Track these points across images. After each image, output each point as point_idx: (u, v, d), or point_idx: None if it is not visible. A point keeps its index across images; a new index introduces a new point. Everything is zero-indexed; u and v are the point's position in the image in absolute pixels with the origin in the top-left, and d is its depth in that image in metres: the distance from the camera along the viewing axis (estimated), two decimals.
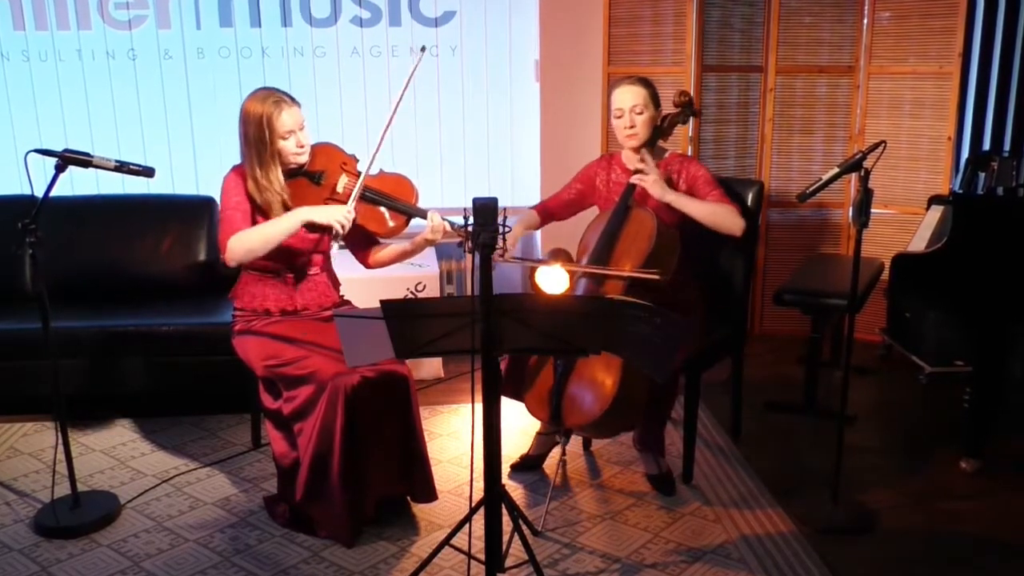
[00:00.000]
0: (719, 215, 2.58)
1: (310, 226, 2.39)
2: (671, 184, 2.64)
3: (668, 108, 2.73)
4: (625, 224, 2.58)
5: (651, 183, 2.56)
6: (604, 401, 2.37)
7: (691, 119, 2.79)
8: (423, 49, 2.43)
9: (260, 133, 2.35)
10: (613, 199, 2.70)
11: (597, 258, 2.55)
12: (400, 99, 2.36)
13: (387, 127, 2.38)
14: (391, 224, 2.47)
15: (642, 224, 2.55)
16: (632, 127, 2.64)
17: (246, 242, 2.35)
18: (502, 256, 2.54)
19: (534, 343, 1.92)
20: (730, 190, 2.72)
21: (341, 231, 2.36)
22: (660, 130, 2.70)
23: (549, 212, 2.85)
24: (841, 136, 3.92)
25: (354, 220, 2.45)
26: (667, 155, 2.73)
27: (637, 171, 2.59)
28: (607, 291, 2.49)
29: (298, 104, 2.41)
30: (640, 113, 2.63)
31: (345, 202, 2.40)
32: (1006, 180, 3.23)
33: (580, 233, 2.71)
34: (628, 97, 2.63)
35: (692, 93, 2.81)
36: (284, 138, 2.37)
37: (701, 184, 2.65)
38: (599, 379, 2.40)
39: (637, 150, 2.68)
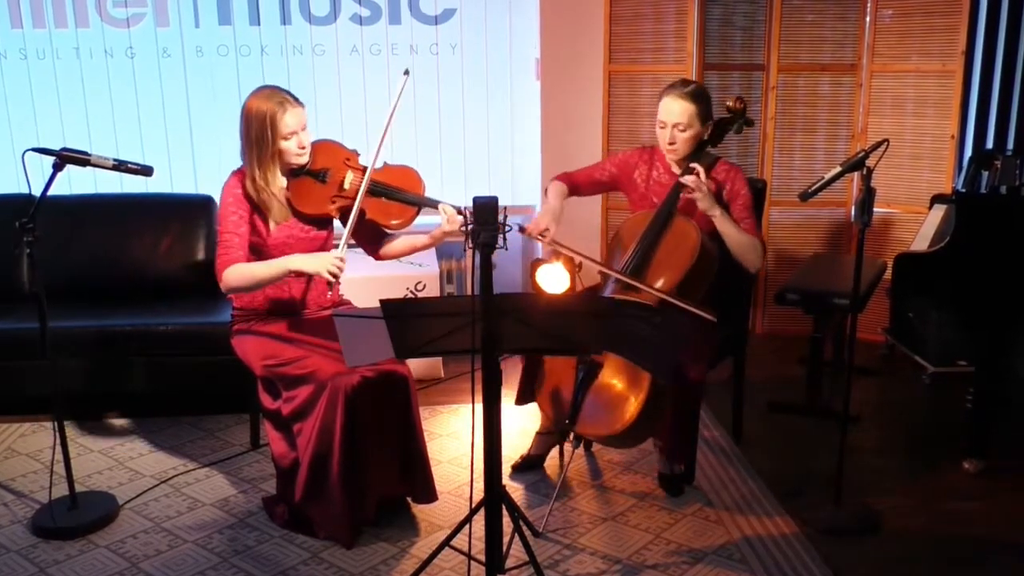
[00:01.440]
0: (746, 248, 2.54)
1: (299, 274, 2.37)
2: (718, 196, 2.56)
3: (721, 112, 2.63)
4: (666, 232, 2.51)
5: (701, 196, 2.48)
6: (625, 421, 2.34)
7: (744, 128, 2.68)
8: (406, 72, 2.38)
9: (262, 133, 2.33)
10: (651, 199, 2.65)
11: (635, 265, 2.50)
12: (390, 120, 2.34)
13: (385, 132, 2.35)
14: (399, 217, 2.45)
15: (685, 237, 2.48)
16: (672, 143, 2.56)
17: (240, 279, 2.35)
18: (543, 237, 2.51)
19: (535, 343, 1.92)
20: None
21: (332, 280, 2.32)
22: (707, 142, 2.61)
23: (575, 186, 2.74)
24: (843, 135, 3.90)
25: (363, 215, 2.43)
26: (717, 164, 2.63)
27: (685, 184, 2.49)
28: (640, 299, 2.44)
29: (302, 105, 2.39)
30: (683, 131, 2.53)
31: (353, 199, 2.38)
32: (1009, 179, 3.21)
33: (588, 231, 2.67)
34: (674, 111, 2.53)
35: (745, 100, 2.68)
36: (286, 139, 2.35)
37: (739, 207, 2.59)
38: (623, 396, 2.37)
39: (679, 163, 2.62)
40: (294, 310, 2.50)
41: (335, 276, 2.31)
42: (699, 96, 2.55)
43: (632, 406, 2.34)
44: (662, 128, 2.58)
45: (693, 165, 2.52)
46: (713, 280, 2.54)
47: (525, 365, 2.62)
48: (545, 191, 2.76)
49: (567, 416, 2.42)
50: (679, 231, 2.50)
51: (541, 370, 2.54)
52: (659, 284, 2.47)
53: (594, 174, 2.77)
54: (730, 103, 2.65)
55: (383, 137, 2.37)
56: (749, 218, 2.60)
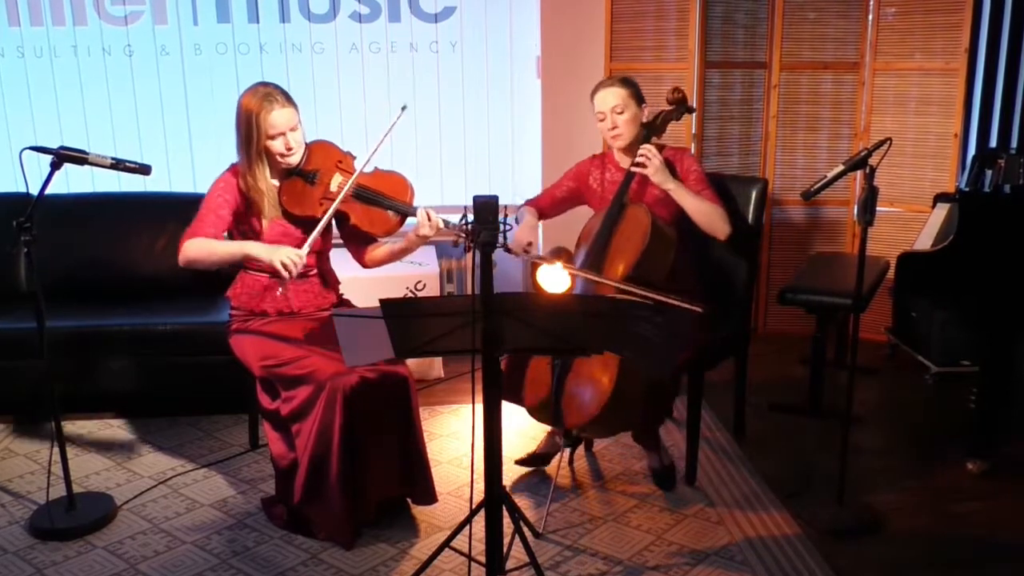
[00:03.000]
0: (709, 215, 2.59)
1: (254, 260, 2.33)
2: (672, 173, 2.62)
3: (662, 105, 2.71)
4: (620, 222, 2.56)
5: (653, 171, 2.55)
6: (602, 398, 2.35)
7: (685, 115, 2.77)
8: (403, 108, 2.31)
9: (248, 130, 2.32)
10: (608, 198, 2.68)
11: (593, 257, 2.53)
12: (379, 145, 2.31)
13: (379, 145, 2.32)
14: (382, 224, 2.43)
15: (637, 222, 2.53)
16: (615, 128, 2.64)
17: (197, 250, 2.35)
18: (527, 252, 2.58)
19: (535, 342, 1.90)
20: (728, 189, 2.69)
21: (285, 275, 2.26)
22: (653, 127, 2.68)
23: (541, 210, 2.82)
24: (846, 133, 3.88)
25: (348, 220, 2.41)
26: (664, 149, 2.70)
27: (638, 163, 2.57)
28: (602, 292, 2.46)
29: (293, 105, 2.35)
30: (620, 113, 2.62)
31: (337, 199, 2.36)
32: (1013, 178, 3.19)
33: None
34: (608, 98, 2.63)
35: (686, 89, 2.81)
36: (272, 138, 2.32)
37: (693, 180, 2.64)
38: (596, 376, 2.38)
39: (626, 150, 2.67)
40: (292, 310, 2.48)
41: (288, 271, 2.25)
42: (626, 81, 2.67)
43: (604, 386, 2.35)
44: (602, 120, 2.66)
45: (643, 146, 2.58)
46: (672, 263, 2.55)
47: (508, 360, 2.60)
48: (515, 219, 2.77)
49: (551, 413, 2.42)
50: (631, 218, 2.55)
51: (522, 373, 2.51)
52: (618, 269, 2.49)
53: (554, 193, 2.84)
54: (668, 96, 2.73)
55: (374, 150, 2.32)
56: (707, 189, 2.64)
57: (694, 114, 2.91)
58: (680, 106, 2.72)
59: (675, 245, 2.56)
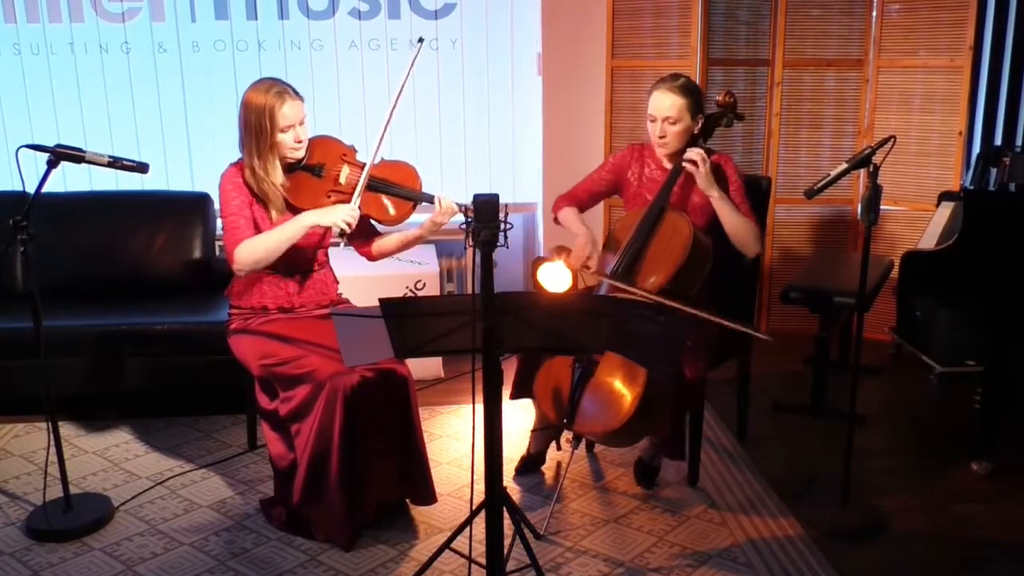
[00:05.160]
0: (745, 231, 2.52)
1: (315, 228, 2.35)
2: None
3: (711, 107, 2.62)
4: (658, 227, 2.49)
5: (703, 174, 2.47)
6: (622, 416, 2.31)
7: (735, 122, 2.66)
8: (420, 40, 2.36)
9: (260, 123, 2.31)
10: (644, 195, 2.62)
11: (627, 264, 2.47)
12: (401, 91, 2.33)
13: (389, 119, 2.34)
14: (395, 212, 2.44)
15: (677, 230, 2.46)
16: (663, 136, 2.54)
17: (254, 252, 2.32)
18: (588, 268, 2.51)
19: (536, 342, 1.89)
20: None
21: (348, 229, 2.31)
22: (698, 136, 2.57)
23: (580, 204, 2.71)
24: (850, 131, 3.86)
25: (360, 211, 2.40)
26: (711, 155, 2.60)
27: (688, 159, 2.48)
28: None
29: (301, 98, 2.37)
30: (673, 124, 2.52)
31: (350, 195, 2.37)
32: (1018, 176, 3.16)
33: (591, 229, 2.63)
34: (664, 105, 2.51)
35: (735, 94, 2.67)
36: (283, 131, 2.33)
37: (733, 192, 2.57)
38: (620, 392, 2.34)
39: (669, 158, 2.60)
40: (292, 309, 2.46)
41: (349, 226, 2.31)
42: (689, 90, 2.54)
43: (628, 402, 2.31)
44: (652, 122, 2.56)
45: (692, 149, 2.50)
46: (707, 275, 2.51)
47: (521, 358, 2.59)
48: (555, 218, 2.72)
49: (565, 416, 2.40)
50: (671, 225, 2.49)
51: (537, 369, 2.50)
52: (652, 280, 2.44)
53: (592, 187, 2.74)
54: (719, 98, 2.63)
55: (384, 129, 2.35)
56: (744, 203, 2.58)
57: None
58: (727, 111, 2.61)
59: (711, 258, 2.49)
